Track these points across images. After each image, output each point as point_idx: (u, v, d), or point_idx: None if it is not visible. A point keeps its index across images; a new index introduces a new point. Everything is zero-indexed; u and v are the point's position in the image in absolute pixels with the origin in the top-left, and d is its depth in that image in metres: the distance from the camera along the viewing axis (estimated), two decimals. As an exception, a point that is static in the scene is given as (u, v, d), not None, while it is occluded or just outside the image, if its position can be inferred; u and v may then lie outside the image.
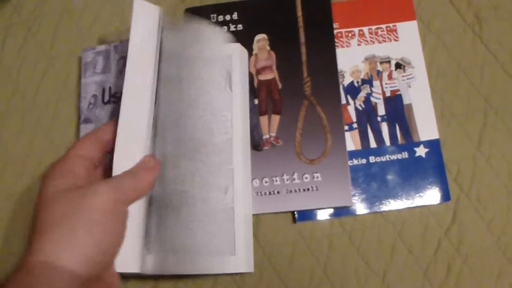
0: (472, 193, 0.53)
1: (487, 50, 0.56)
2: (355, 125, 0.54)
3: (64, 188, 0.37)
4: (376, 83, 0.55)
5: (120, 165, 0.42)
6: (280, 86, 0.54)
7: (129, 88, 0.44)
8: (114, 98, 0.54)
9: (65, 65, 0.61)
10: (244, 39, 0.55)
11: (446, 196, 0.52)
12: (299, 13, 0.56)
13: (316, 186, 0.51)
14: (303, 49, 0.55)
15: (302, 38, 0.55)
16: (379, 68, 0.55)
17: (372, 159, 0.53)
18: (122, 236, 0.38)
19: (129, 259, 0.40)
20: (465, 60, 0.56)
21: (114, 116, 0.52)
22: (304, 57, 0.54)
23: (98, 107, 0.54)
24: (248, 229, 0.48)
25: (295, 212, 0.53)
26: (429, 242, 0.53)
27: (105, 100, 0.54)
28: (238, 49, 0.51)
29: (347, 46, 0.56)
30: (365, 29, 0.56)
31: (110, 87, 0.54)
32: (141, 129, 0.43)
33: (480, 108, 0.55)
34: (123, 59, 0.54)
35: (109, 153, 0.43)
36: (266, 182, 0.52)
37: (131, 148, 0.42)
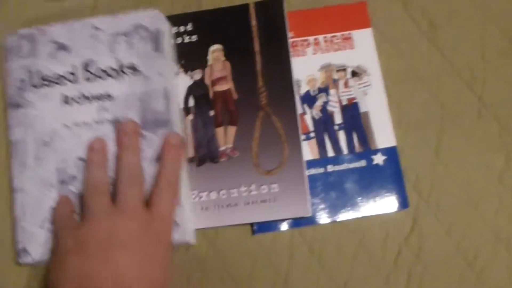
0: (431, 200, 0.53)
1: (442, 57, 0.56)
2: (312, 134, 0.54)
3: None
4: (332, 91, 0.55)
5: None
6: (235, 96, 0.54)
7: None
8: (45, 82, 0.53)
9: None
10: (199, 50, 0.55)
11: (404, 204, 0.52)
12: (253, 22, 0.55)
13: (274, 197, 0.51)
14: (258, 59, 0.54)
15: (257, 48, 0.55)
16: (335, 76, 0.55)
17: (330, 168, 0.53)
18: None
19: None
20: (421, 67, 0.56)
21: (48, 99, 0.53)
22: (259, 67, 0.54)
23: (28, 91, 0.53)
24: None
25: (254, 224, 0.52)
26: (390, 250, 0.52)
27: (35, 84, 0.53)
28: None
29: (303, 55, 0.56)
30: (321, 37, 0.56)
31: (39, 71, 0.54)
32: None
33: (437, 115, 0.55)
34: (53, 42, 0.54)
35: None
36: (223, 194, 0.51)
37: None
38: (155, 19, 0.53)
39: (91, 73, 0.53)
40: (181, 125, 0.53)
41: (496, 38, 0.57)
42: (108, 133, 0.51)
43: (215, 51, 0.55)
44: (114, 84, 0.52)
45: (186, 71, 0.55)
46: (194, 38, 0.56)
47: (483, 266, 0.51)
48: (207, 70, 0.55)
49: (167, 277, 0.46)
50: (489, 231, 0.52)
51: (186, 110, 0.54)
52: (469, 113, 0.55)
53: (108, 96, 0.52)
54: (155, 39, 0.53)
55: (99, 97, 0.52)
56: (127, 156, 0.48)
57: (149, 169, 0.50)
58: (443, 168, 0.54)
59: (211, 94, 0.54)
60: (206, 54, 0.55)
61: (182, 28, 0.56)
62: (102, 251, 0.43)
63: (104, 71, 0.53)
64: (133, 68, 0.53)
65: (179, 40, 0.56)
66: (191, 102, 0.54)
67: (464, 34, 0.57)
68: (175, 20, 0.56)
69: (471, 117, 0.55)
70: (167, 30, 0.54)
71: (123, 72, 0.52)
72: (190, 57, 0.55)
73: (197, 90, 0.55)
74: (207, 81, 0.55)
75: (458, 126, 0.55)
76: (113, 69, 0.53)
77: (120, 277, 0.42)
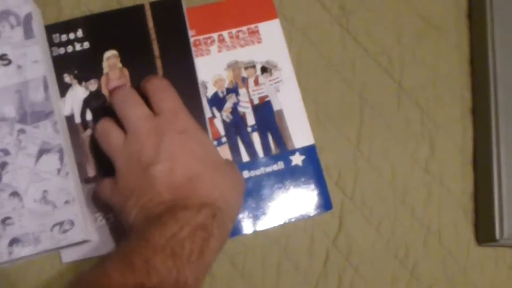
0: (356, 197, 0.50)
1: (356, 43, 0.53)
2: (224, 139, 0.50)
3: None
4: (242, 91, 0.51)
5: None
6: (136, 105, 0.49)
7: None
8: None
9: None
10: (93, 58, 0.50)
11: (327, 205, 0.49)
12: (150, 24, 0.50)
13: None
14: (158, 63, 0.50)
15: (156, 51, 0.50)
16: (244, 74, 0.51)
17: (246, 174, 0.49)
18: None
19: None
20: (334, 56, 0.53)
21: None
22: (160, 71, 0.50)
23: None
24: None
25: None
26: (317, 255, 0.49)
27: None
28: None
29: (207, 54, 0.51)
30: (225, 33, 0.52)
31: None
32: None
33: (355, 105, 0.52)
34: None
35: None
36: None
37: None
38: (22, 3, 0.48)
39: None
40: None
41: (410, 19, 0.54)
42: None
43: (110, 58, 0.50)
44: None
45: (80, 82, 0.50)
46: (86, 45, 0.50)
47: (415, 262, 0.49)
48: (103, 79, 0.50)
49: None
50: (419, 224, 0.50)
51: (84, 125, 0.49)
52: (389, 101, 0.52)
53: None
54: (26, 25, 0.48)
55: None
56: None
57: (32, 166, 0.46)
58: (366, 162, 0.51)
59: (108, 105, 0.49)
60: (100, 62, 0.50)
61: (72, 35, 0.51)
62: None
63: None
64: (5, 59, 0.47)
65: (70, 48, 0.50)
66: (89, 116, 0.49)
67: (377, 17, 0.54)
68: (62, 27, 0.50)
69: (391, 104, 0.52)
70: (37, 14, 0.49)
71: None
72: (83, 67, 0.50)
73: (94, 101, 0.50)
74: (104, 91, 0.50)
75: (379, 115, 0.52)
76: None
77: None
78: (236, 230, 0.49)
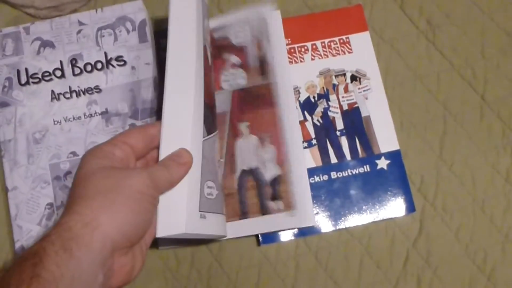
0: (437, 203, 0.52)
1: (441, 56, 0.56)
2: (314, 141, 0.53)
3: (103, 166, 0.39)
4: (332, 97, 0.54)
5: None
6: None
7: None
8: (33, 79, 0.53)
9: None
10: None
11: (411, 207, 0.51)
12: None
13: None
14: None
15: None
16: (335, 81, 0.54)
17: (333, 175, 0.52)
18: (152, 217, 0.40)
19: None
20: (420, 67, 0.55)
21: (37, 96, 0.53)
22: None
23: (15, 89, 0.53)
24: None
25: (259, 235, 0.51)
26: (397, 255, 0.51)
27: (23, 82, 0.53)
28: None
29: (301, 61, 0.55)
30: (318, 43, 0.55)
31: (26, 68, 0.54)
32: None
33: (439, 115, 0.54)
34: (38, 40, 0.54)
35: (156, 148, 0.43)
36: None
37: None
38: (138, 10, 0.54)
39: (78, 67, 0.53)
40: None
41: (495, 34, 0.56)
42: (98, 125, 0.52)
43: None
44: (102, 77, 0.53)
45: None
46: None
47: (493, 267, 0.51)
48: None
49: None
50: (497, 232, 0.52)
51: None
52: (472, 112, 0.54)
53: (97, 89, 0.53)
54: (140, 30, 0.53)
55: (87, 91, 0.53)
56: None
57: None
58: (448, 169, 0.53)
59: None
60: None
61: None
62: None
63: (92, 65, 0.53)
64: (121, 60, 0.53)
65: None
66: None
67: (463, 32, 0.56)
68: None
69: (474, 116, 0.54)
70: (148, 20, 0.54)
71: (111, 65, 0.53)
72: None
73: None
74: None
75: (461, 125, 0.54)
76: (100, 62, 0.53)
77: None
78: (321, 227, 0.52)
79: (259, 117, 0.51)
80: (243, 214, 0.50)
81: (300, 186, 0.50)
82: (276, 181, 0.50)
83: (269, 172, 0.50)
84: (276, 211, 0.50)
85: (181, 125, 0.42)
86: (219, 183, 0.47)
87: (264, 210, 0.50)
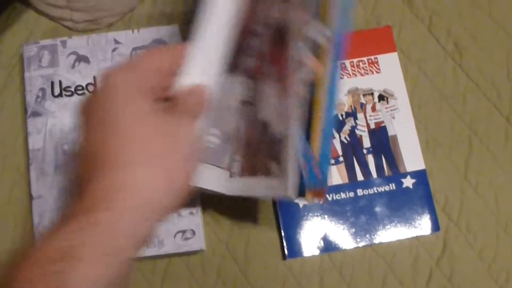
0: (461, 222, 0.53)
1: (468, 78, 0.57)
2: (341, 159, 0.54)
3: (147, 110, 0.32)
4: (360, 115, 0.55)
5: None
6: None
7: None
8: (66, 92, 0.55)
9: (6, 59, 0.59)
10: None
11: (435, 226, 0.52)
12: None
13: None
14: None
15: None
16: (363, 100, 0.55)
17: (359, 192, 0.53)
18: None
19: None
20: (447, 88, 0.56)
21: (68, 109, 0.54)
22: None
23: (48, 100, 0.55)
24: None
25: (285, 249, 0.52)
26: (421, 273, 0.52)
27: (56, 94, 0.55)
28: None
29: (330, 80, 0.56)
30: (347, 62, 0.56)
31: (60, 81, 0.55)
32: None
33: (464, 136, 0.55)
34: (74, 54, 0.56)
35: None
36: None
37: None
38: (173, 34, 0.55)
39: None
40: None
41: (521, 57, 0.57)
42: None
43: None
44: None
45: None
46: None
47: (515, 288, 0.51)
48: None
49: None
50: (520, 253, 0.52)
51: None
52: (497, 134, 0.55)
53: None
54: None
55: None
56: None
57: None
58: (472, 190, 0.54)
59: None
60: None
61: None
62: None
63: None
64: None
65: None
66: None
67: (489, 55, 0.57)
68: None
69: (499, 137, 0.55)
70: None
71: None
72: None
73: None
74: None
75: (486, 147, 0.55)
76: None
77: None
78: (345, 244, 0.52)
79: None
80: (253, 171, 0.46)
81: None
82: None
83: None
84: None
85: (211, 53, 0.36)
86: (228, 133, 0.43)
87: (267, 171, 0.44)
